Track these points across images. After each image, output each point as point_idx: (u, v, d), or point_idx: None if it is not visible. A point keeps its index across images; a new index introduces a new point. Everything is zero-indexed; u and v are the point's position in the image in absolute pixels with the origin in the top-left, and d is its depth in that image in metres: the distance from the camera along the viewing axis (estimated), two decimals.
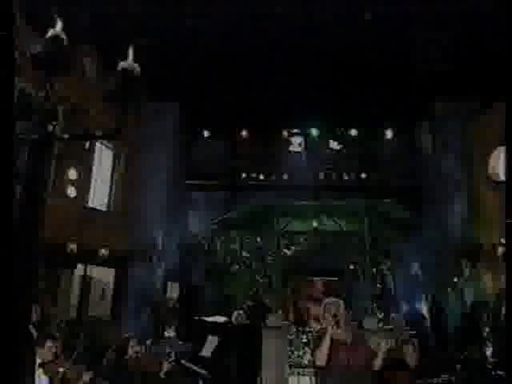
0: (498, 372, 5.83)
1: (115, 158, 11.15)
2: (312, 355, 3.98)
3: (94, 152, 10.08)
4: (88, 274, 9.47)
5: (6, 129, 1.49)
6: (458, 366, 6.21)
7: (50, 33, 1.43)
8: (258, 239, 10.50)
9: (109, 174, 11.01)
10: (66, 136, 1.52)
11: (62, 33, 1.42)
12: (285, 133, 13.56)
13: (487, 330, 7.76)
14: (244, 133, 13.44)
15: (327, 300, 3.83)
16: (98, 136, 1.72)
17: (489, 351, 6.93)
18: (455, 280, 10.24)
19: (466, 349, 7.53)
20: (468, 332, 8.67)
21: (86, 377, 4.10)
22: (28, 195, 1.58)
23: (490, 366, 6.43)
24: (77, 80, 8.93)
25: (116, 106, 1.53)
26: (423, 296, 11.32)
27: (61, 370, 3.94)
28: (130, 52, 1.55)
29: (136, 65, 1.53)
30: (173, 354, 6.32)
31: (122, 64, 1.51)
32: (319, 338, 3.70)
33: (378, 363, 3.59)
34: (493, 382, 5.64)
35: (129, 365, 5.37)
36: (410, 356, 4.59)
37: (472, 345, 7.67)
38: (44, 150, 1.51)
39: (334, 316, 3.60)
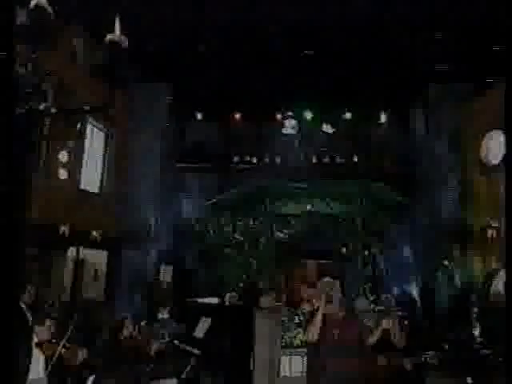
0: (485, 351, 6.00)
1: (107, 139, 11.04)
2: (304, 332, 4.07)
3: (85, 133, 9.95)
4: (81, 256, 9.47)
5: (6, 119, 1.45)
6: (446, 346, 6.35)
7: (33, 3, 1.38)
8: (251, 222, 10.54)
9: (101, 155, 10.91)
10: (53, 110, 1.49)
11: (46, 3, 1.38)
12: (278, 116, 13.47)
13: (475, 310, 7.92)
14: (237, 115, 13.33)
15: (322, 279, 3.94)
16: (86, 110, 1.68)
17: (476, 331, 7.09)
18: (445, 262, 10.38)
19: (454, 329, 7.69)
20: (457, 313, 8.85)
21: (81, 354, 4.15)
22: (13, 172, 1.55)
23: (477, 346, 6.58)
24: (66, 58, 8.77)
25: (104, 80, 1.50)
26: (413, 278, 11.48)
27: (58, 349, 3.97)
28: (117, 24, 1.50)
29: (124, 37, 1.49)
30: (166, 335, 6.39)
31: (109, 36, 1.47)
32: (312, 315, 3.79)
33: (372, 339, 3.69)
34: (479, 360, 5.79)
35: (123, 345, 5.42)
36: (399, 336, 4.68)
37: (460, 325, 7.83)
38: (30, 125, 1.49)
39: (328, 295, 3.69)
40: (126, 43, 1.48)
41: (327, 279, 3.94)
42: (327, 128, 13.31)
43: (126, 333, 5.52)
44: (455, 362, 5.65)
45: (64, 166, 8.58)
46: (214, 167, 13.20)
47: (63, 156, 8.64)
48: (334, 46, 10.22)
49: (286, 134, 13.50)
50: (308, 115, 13.20)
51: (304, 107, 13.09)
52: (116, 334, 5.52)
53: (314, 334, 3.61)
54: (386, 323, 3.75)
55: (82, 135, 9.61)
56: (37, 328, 3.96)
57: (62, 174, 8.67)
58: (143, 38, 8.79)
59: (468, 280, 9.74)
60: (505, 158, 2.67)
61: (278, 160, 13.16)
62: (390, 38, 9.88)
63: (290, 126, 13.54)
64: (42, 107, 1.53)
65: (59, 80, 6.98)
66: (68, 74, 8.39)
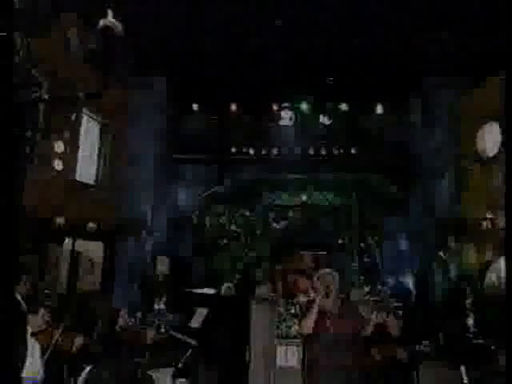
0: (478, 341, 6.09)
1: (102, 130, 10.96)
2: (299, 325, 4.07)
3: (80, 124, 9.87)
4: (76, 248, 9.45)
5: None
6: (441, 336, 6.41)
7: None
8: (247, 213, 10.55)
9: (96, 147, 10.84)
10: (46, 96, 1.47)
11: None
12: (275, 107, 13.40)
13: (470, 301, 7.98)
14: (233, 106, 13.26)
15: (323, 270, 3.87)
16: (80, 98, 1.65)
17: (470, 322, 7.15)
18: (441, 254, 10.44)
19: (448, 319, 7.76)
20: (451, 304, 8.91)
21: (78, 341, 4.17)
22: (10, 164, 1.53)
23: (470, 336, 6.66)
24: (60, 48, 8.68)
25: (98, 66, 1.48)
26: (409, 269, 11.56)
27: (54, 337, 3.98)
28: (110, 12, 1.47)
29: (117, 23, 1.46)
30: (163, 326, 6.42)
31: (102, 21, 1.45)
32: (308, 308, 3.77)
33: (366, 332, 3.71)
34: (473, 350, 5.86)
35: (118, 335, 5.45)
36: (394, 326, 4.73)
37: (455, 316, 7.90)
38: (24, 112, 1.46)
39: (327, 287, 3.64)
40: (119, 28, 1.45)
41: (327, 270, 3.88)
42: (324, 119, 13.26)
43: (121, 323, 5.55)
44: (449, 352, 5.71)
45: (59, 156, 8.52)
46: (211, 158, 13.17)
47: (58, 146, 8.57)
48: (332, 37, 10.17)
49: (284, 126, 13.45)
50: (305, 106, 13.15)
51: (301, 98, 13.03)
52: (111, 324, 5.54)
53: (309, 326, 3.59)
54: (376, 318, 3.77)
55: (76, 125, 9.53)
56: (31, 318, 3.95)
57: (57, 164, 8.61)
58: (141, 30, 8.71)
59: (463, 272, 9.80)
60: (505, 149, 2.69)
61: (275, 151, 13.12)
62: (389, 29, 9.83)
63: (287, 117, 13.49)
64: (37, 94, 1.51)
65: (54, 69, 6.91)
66: (63, 64, 8.30)
